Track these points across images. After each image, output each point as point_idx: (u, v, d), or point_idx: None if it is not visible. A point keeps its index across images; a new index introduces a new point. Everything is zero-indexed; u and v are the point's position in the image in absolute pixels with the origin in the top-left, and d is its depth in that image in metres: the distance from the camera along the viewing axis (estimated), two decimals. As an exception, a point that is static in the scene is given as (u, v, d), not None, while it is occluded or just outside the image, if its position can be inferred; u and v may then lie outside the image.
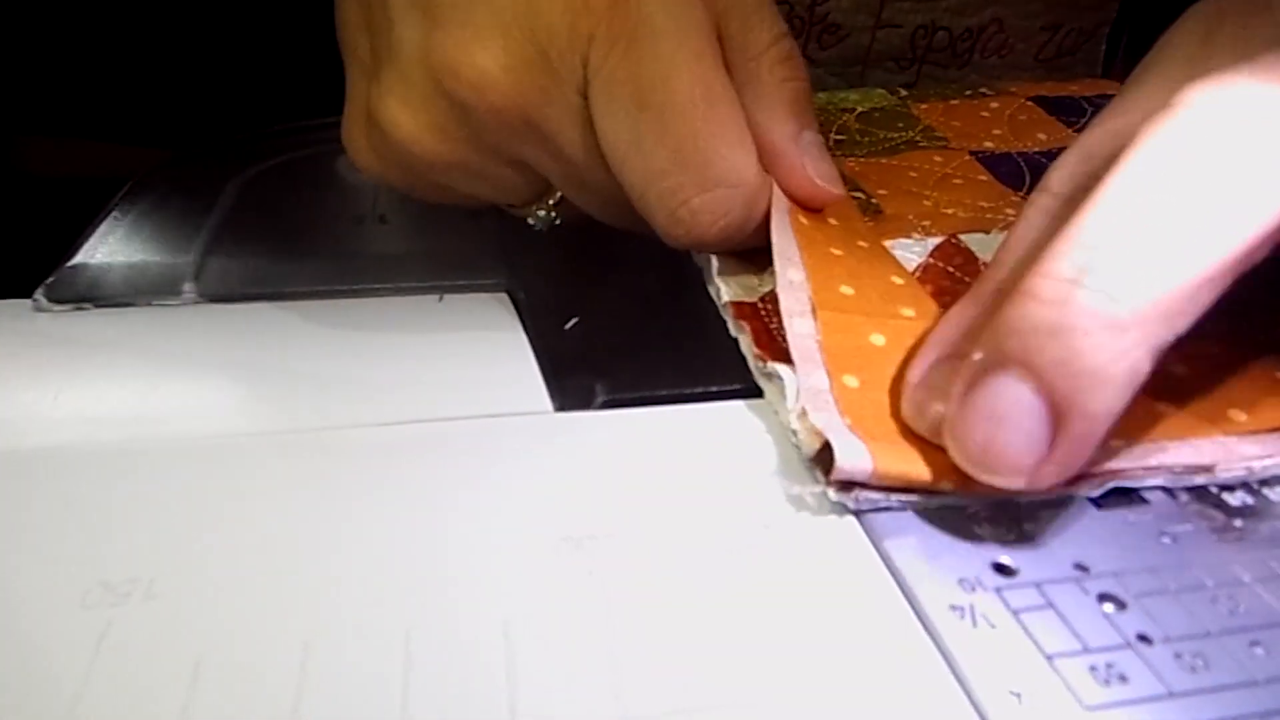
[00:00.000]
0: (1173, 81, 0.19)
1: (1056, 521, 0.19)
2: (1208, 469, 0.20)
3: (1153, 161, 0.17)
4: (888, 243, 0.28)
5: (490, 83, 0.21)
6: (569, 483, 0.19)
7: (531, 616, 0.16)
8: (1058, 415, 0.16)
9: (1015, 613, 0.17)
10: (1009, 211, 0.30)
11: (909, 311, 0.23)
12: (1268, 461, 0.20)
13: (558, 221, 0.27)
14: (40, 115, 0.44)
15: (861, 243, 0.26)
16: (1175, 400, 0.21)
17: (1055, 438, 0.17)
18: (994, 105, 0.39)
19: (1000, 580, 0.17)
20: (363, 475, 0.19)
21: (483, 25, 0.21)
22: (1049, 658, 0.16)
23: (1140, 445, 0.20)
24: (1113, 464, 0.19)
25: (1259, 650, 0.16)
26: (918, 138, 0.36)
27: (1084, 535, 0.18)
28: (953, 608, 0.17)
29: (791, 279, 0.23)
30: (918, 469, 0.18)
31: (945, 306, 0.23)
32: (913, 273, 0.26)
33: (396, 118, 0.23)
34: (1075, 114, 0.38)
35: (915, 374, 0.20)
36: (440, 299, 0.27)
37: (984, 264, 0.27)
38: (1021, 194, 0.31)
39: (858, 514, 0.19)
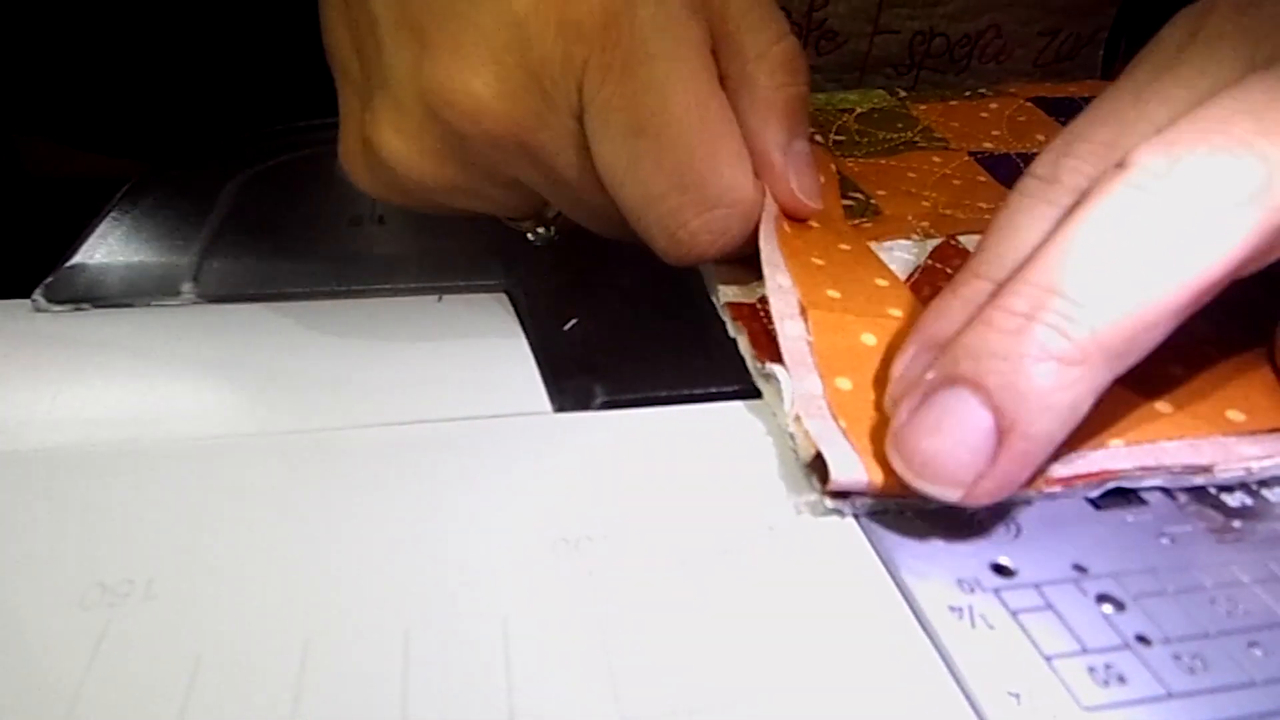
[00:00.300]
0: (1154, 83, 0.20)
1: (1055, 522, 0.19)
2: (1206, 469, 0.20)
3: (1104, 218, 0.18)
4: (886, 244, 0.28)
5: (484, 110, 0.21)
6: (567, 483, 0.19)
7: (530, 617, 0.16)
8: (1001, 432, 0.17)
9: (1014, 613, 0.17)
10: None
11: (896, 312, 0.23)
12: (1266, 462, 0.20)
13: (556, 237, 0.28)
14: (39, 117, 0.44)
15: (844, 245, 0.26)
16: (1174, 400, 0.21)
17: (996, 454, 0.17)
18: (993, 106, 0.39)
19: (999, 581, 0.17)
20: (361, 476, 0.19)
21: (474, 51, 0.21)
22: (1048, 658, 0.16)
23: (1139, 446, 0.20)
24: (1111, 464, 0.19)
25: (1257, 651, 0.16)
26: (917, 138, 0.36)
27: (1083, 536, 0.18)
28: (951, 608, 0.17)
29: (780, 283, 0.23)
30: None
31: None
32: (911, 274, 0.26)
33: (391, 145, 0.23)
34: (1074, 115, 0.38)
35: (898, 367, 0.20)
36: (439, 299, 0.27)
37: None
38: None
39: (856, 515, 0.19)
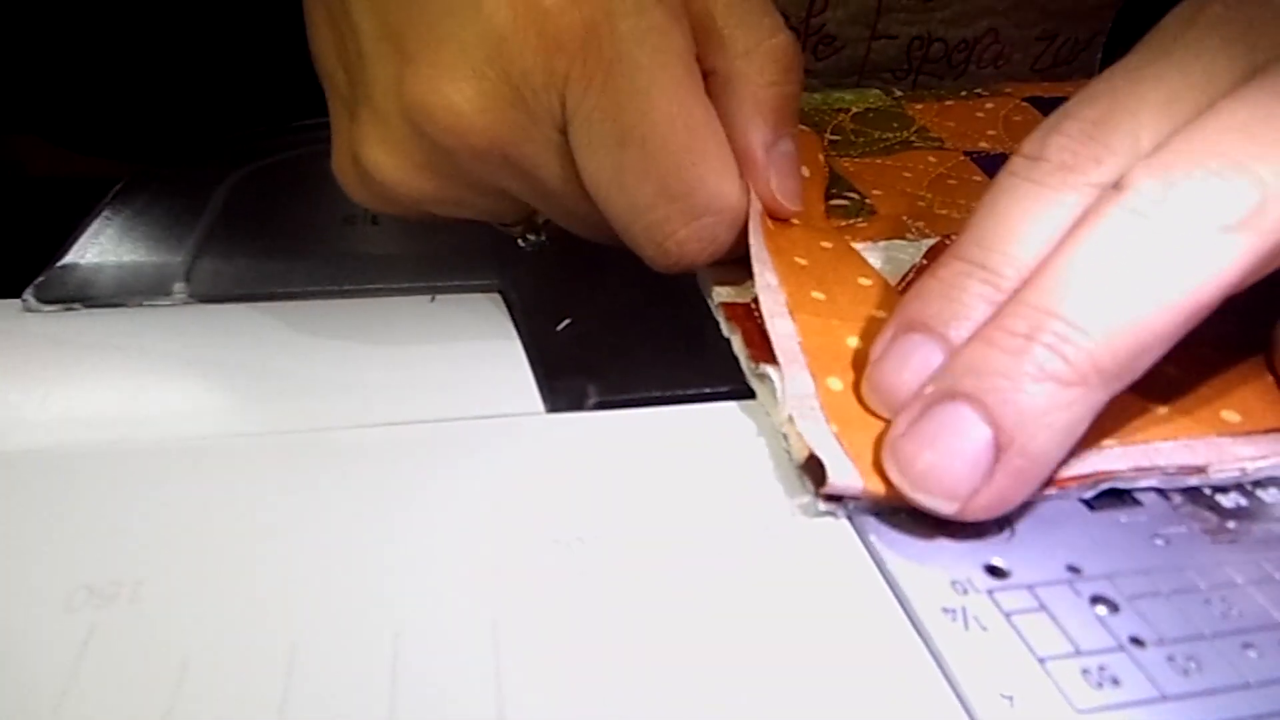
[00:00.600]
0: (1149, 65, 0.20)
1: (1049, 523, 0.19)
2: (1201, 470, 0.20)
3: (1101, 242, 0.18)
4: (881, 243, 0.28)
5: (466, 124, 0.21)
6: (560, 484, 0.19)
7: (520, 618, 0.16)
8: (999, 449, 0.17)
9: (1007, 615, 0.17)
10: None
11: (880, 313, 0.23)
12: (1261, 463, 0.20)
13: (546, 242, 0.28)
14: (32, 116, 0.43)
15: (825, 243, 0.26)
16: (1168, 401, 0.21)
17: (993, 470, 0.17)
18: (989, 106, 0.39)
19: (992, 582, 0.17)
20: (352, 476, 0.19)
21: (455, 65, 0.21)
22: (1041, 660, 0.16)
23: (1133, 446, 0.20)
24: (1106, 465, 0.19)
25: (1252, 653, 0.16)
26: (912, 138, 0.36)
27: (1077, 537, 0.18)
28: (945, 610, 0.17)
29: (769, 281, 0.23)
30: None
31: None
32: (906, 274, 0.26)
33: (378, 160, 0.23)
34: (1070, 114, 0.38)
35: (876, 349, 0.20)
36: (432, 299, 0.27)
37: None
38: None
39: (849, 516, 0.19)
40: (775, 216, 0.26)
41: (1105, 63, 0.47)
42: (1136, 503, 0.19)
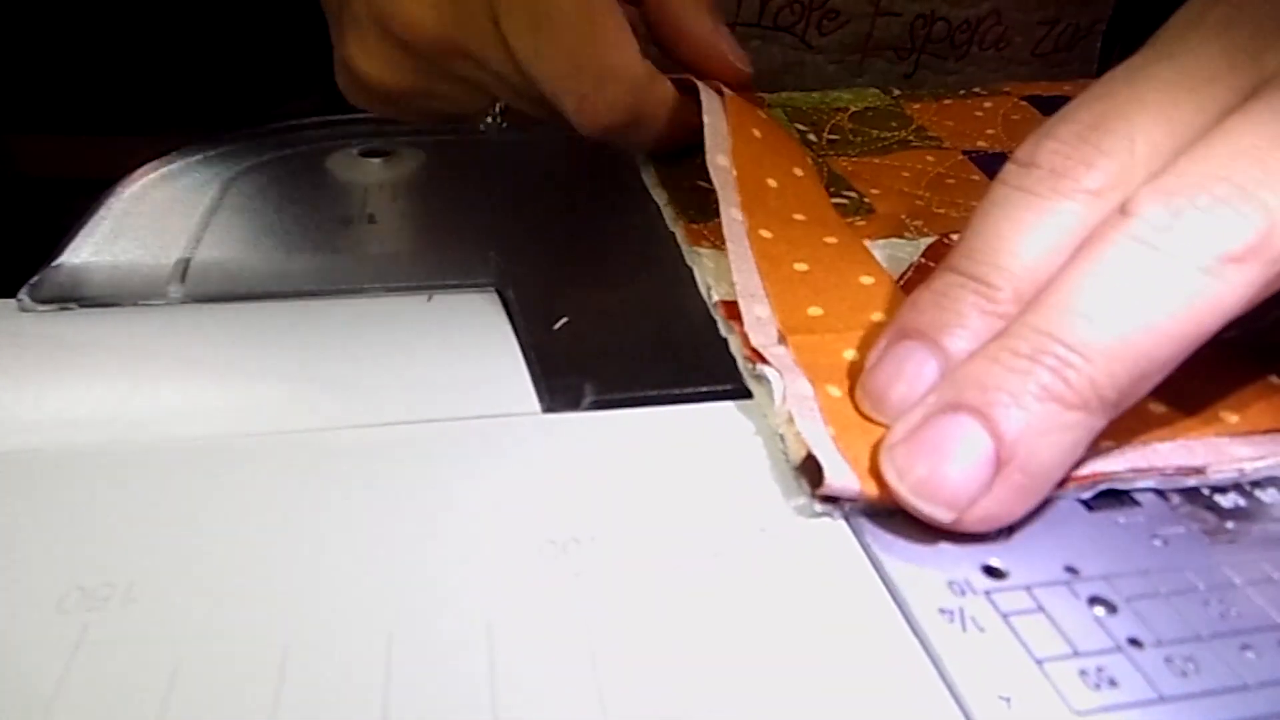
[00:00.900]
0: (1150, 66, 0.21)
1: (1047, 524, 0.19)
2: (1199, 470, 0.19)
3: (1105, 269, 0.18)
4: (879, 242, 0.28)
5: (419, 22, 0.28)
6: (555, 485, 0.19)
7: (515, 620, 0.16)
8: (1000, 462, 0.17)
9: (1005, 616, 0.16)
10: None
11: (878, 316, 0.23)
12: (1260, 463, 0.20)
13: (503, 124, 0.34)
14: (27, 113, 0.43)
15: (830, 239, 0.26)
16: (1166, 401, 0.21)
17: (992, 483, 0.17)
18: (987, 105, 0.39)
19: (990, 583, 0.17)
20: (347, 477, 0.19)
21: None
22: (1039, 662, 0.16)
23: (1131, 447, 0.20)
24: (1104, 465, 0.19)
25: (1250, 654, 0.16)
26: (911, 137, 0.36)
27: (1074, 537, 0.18)
28: (942, 611, 0.17)
29: (758, 315, 0.23)
30: None
31: None
32: (905, 272, 0.26)
33: (358, 61, 0.30)
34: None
35: (871, 358, 0.20)
36: (429, 298, 0.27)
37: None
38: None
39: (846, 517, 0.19)
40: (739, 81, 0.31)
41: (1104, 51, 0.47)
42: (1135, 503, 0.19)
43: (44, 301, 0.25)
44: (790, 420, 0.20)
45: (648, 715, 0.15)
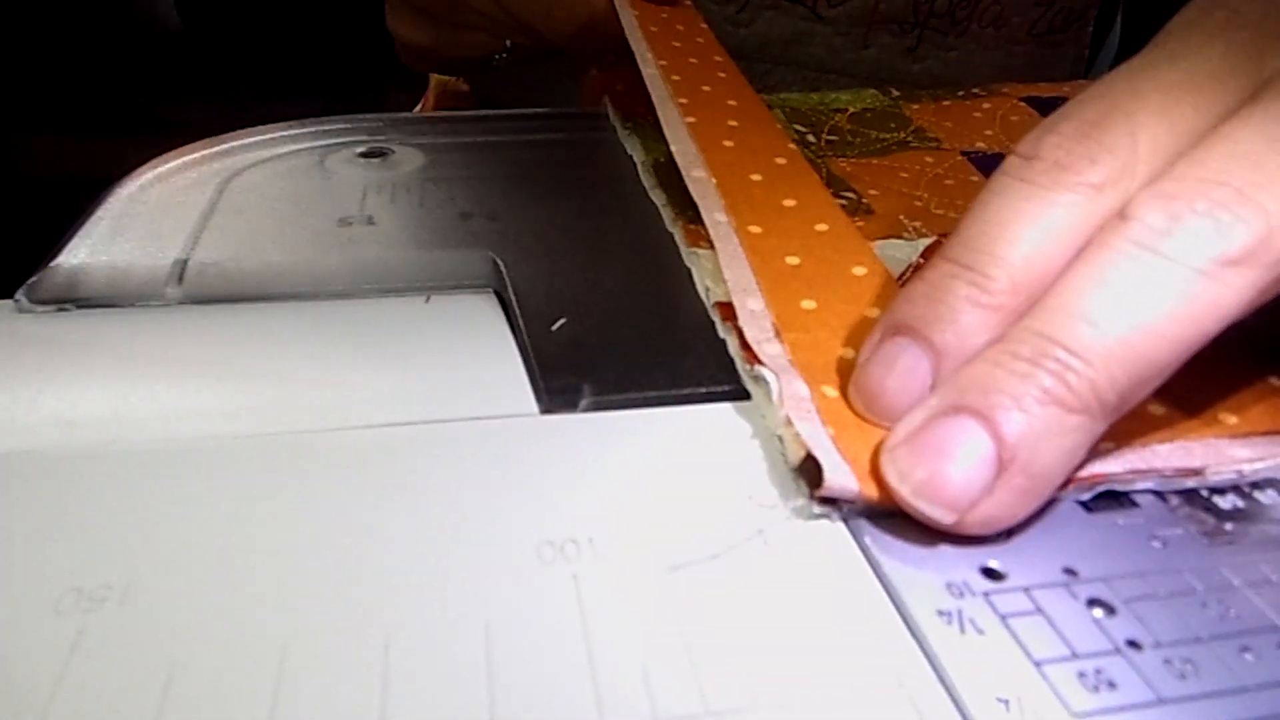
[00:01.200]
0: (1152, 65, 0.21)
1: (1045, 525, 0.19)
2: (1198, 472, 0.19)
3: (1104, 275, 0.18)
4: (878, 242, 0.27)
5: None
6: (553, 486, 0.19)
7: (512, 622, 0.16)
8: (1002, 465, 0.17)
9: (1003, 618, 0.16)
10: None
11: (872, 309, 0.23)
12: (1259, 464, 0.20)
13: (507, 57, 0.45)
14: (27, 113, 0.44)
15: (821, 225, 0.26)
16: (1166, 403, 0.21)
17: (994, 485, 0.17)
18: (986, 106, 0.39)
19: (988, 585, 0.17)
20: (344, 479, 0.19)
21: None
22: (1037, 664, 0.16)
23: (1130, 448, 0.20)
24: (1103, 467, 0.19)
25: (1249, 656, 0.16)
26: (909, 138, 0.36)
27: (1073, 539, 0.18)
28: (940, 613, 0.17)
29: (752, 309, 0.23)
30: None
31: None
32: (904, 272, 0.26)
33: (396, 28, 0.44)
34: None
35: (865, 352, 0.20)
36: (427, 299, 0.27)
37: None
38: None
39: (845, 519, 0.19)
40: None
41: (1096, 35, 0.50)
42: (1133, 505, 0.19)
43: (41, 302, 0.25)
44: (788, 422, 0.20)
45: (645, 716, 0.15)
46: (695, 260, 0.26)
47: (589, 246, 0.29)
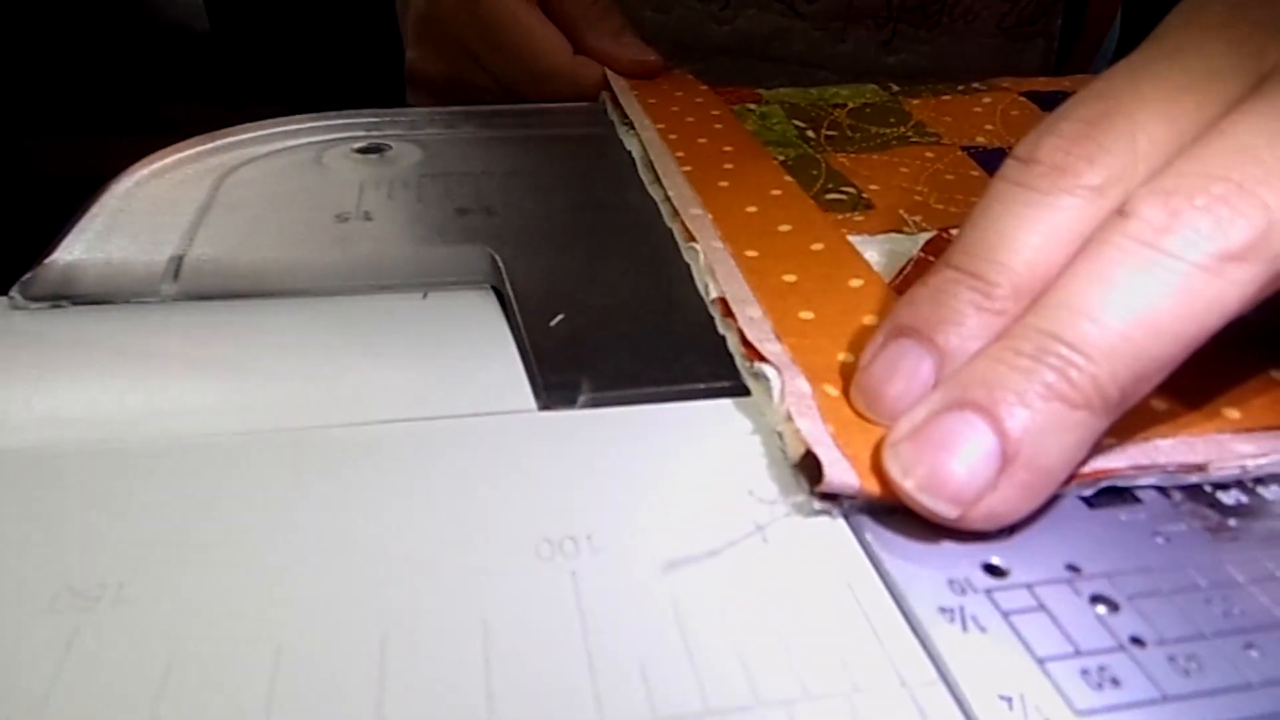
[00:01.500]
0: (1151, 63, 0.21)
1: (1048, 521, 0.18)
2: (1201, 468, 0.19)
3: (1104, 271, 0.18)
4: (878, 237, 0.27)
5: (426, 71, 0.47)
6: (551, 483, 0.19)
7: (511, 619, 0.16)
8: (1005, 460, 0.17)
9: (1006, 615, 0.16)
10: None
11: (869, 318, 0.23)
12: (1262, 460, 0.19)
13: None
14: (26, 113, 0.43)
15: (816, 245, 0.26)
16: (1168, 398, 0.21)
17: (998, 480, 0.17)
18: (986, 100, 0.39)
19: (991, 581, 0.17)
20: (342, 476, 0.19)
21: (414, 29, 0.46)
22: (1040, 661, 0.15)
23: (1133, 443, 0.19)
24: (1106, 463, 0.19)
25: (1254, 653, 0.16)
26: (909, 133, 0.36)
27: (1076, 535, 0.18)
28: (942, 610, 0.16)
29: (751, 315, 0.23)
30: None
31: None
32: (904, 266, 0.26)
33: (411, 57, 0.47)
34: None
35: (866, 355, 0.20)
36: (425, 296, 0.26)
37: None
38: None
39: (845, 515, 0.18)
40: (648, 72, 0.41)
41: (1065, 29, 0.53)
42: (1136, 500, 0.19)
43: (36, 299, 0.25)
44: (789, 418, 0.19)
45: (644, 714, 0.14)
46: (694, 256, 0.26)
47: (587, 242, 0.29)
